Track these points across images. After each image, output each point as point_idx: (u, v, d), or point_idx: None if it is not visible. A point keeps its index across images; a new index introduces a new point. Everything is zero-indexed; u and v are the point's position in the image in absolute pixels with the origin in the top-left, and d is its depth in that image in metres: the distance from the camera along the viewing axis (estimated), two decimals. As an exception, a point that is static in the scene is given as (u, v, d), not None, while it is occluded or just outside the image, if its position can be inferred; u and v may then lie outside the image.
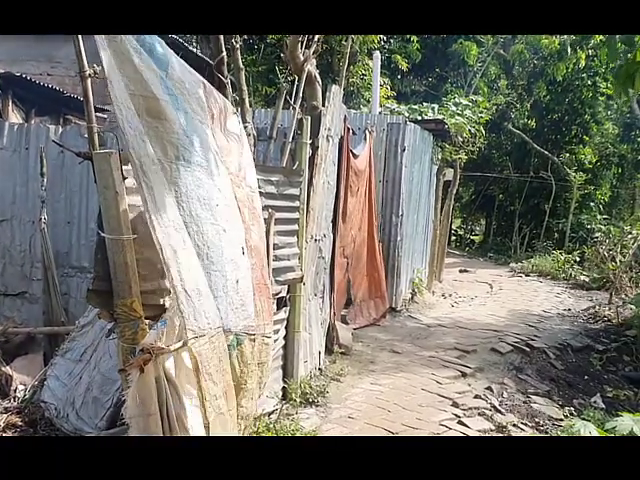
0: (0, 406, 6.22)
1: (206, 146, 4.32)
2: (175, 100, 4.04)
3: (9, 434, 5.65)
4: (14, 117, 7.65)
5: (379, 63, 13.49)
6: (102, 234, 4.07)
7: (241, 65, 5.84)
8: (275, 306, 6.31)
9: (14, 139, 7.36)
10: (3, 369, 6.69)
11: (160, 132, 3.90)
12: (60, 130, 7.40)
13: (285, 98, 6.63)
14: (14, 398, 6.46)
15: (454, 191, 15.74)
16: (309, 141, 6.58)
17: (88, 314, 6.18)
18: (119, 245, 4.03)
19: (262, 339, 4.74)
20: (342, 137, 8.27)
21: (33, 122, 7.97)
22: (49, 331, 7.12)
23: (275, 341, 6.20)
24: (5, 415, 5.96)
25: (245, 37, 25.29)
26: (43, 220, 6.99)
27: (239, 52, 5.62)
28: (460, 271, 18.86)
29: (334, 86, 7.20)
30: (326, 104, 7.01)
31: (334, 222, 8.36)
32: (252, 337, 4.58)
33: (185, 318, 3.71)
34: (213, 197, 4.25)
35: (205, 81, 4.55)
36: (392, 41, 21.55)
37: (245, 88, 5.72)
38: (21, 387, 6.56)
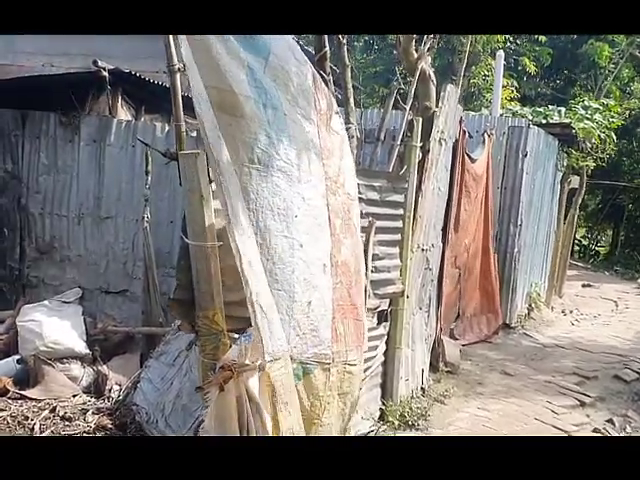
0: (94, 406, 6.18)
1: (300, 146, 3.93)
2: (262, 94, 3.67)
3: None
4: (123, 114, 7.64)
5: (502, 63, 12.76)
6: (186, 240, 3.82)
7: (347, 61, 5.46)
8: (376, 320, 5.90)
9: (121, 136, 7.34)
10: (100, 368, 6.68)
11: (232, 130, 3.55)
12: (167, 128, 7.30)
13: (397, 98, 6.21)
14: (108, 398, 6.41)
15: (579, 200, 14.71)
16: (419, 144, 6.10)
17: (183, 317, 6.01)
18: (203, 252, 3.76)
19: (344, 367, 4.32)
20: (457, 140, 7.72)
21: (142, 119, 7.93)
22: (147, 331, 7.03)
23: (373, 358, 5.80)
24: (97, 416, 5.88)
25: (366, 37, 25.13)
26: (146, 219, 6.90)
27: (345, 48, 5.24)
28: (583, 285, 17.65)
29: (449, 85, 6.67)
30: (440, 104, 6.50)
31: (444, 231, 7.82)
32: (326, 366, 4.15)
33: (263, 336, 3.35)
34: (293, 207, 3.86)
35: (316, 73, 4.17)
36: (519, 42, 20.63)
37: (350, 86, 5.34)
38: (116, 387, 6.50)
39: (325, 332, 4.21)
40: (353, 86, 5.80)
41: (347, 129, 4.94)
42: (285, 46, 3.93)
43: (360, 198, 4.89)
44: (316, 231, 4.15)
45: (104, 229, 7.47)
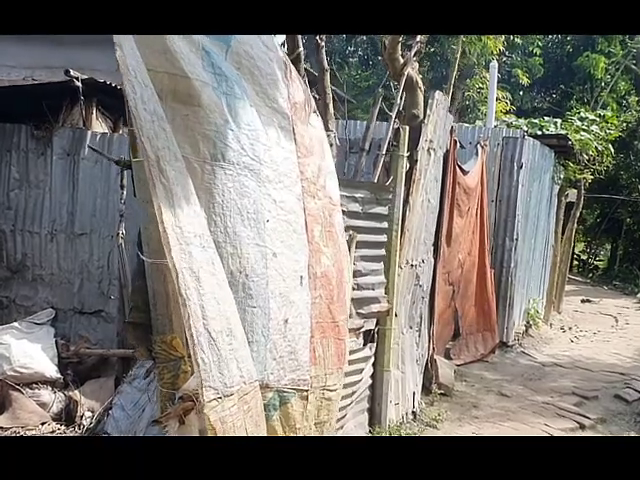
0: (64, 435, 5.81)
1: (270, 142, 3.55)
2: (222, 82, 3.29)
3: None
4: (99, 126, 7.31)
5: (495, 73, 12.51)
6: (141, 257, 3.45)
7: (326, 66, 5.12)
8: (361, 341, 5.54)
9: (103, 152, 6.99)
10: (71, 393, 6.32)
11: (191, 122, 3.17)
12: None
13: (384, 107, 5.89)
14: (79, 426, 6.06)
15: (577, 214, 14.36)
16: (406, 154, 5.76)
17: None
18: (160, 271, 3.38)
19: (322, 393, 3.91)
20: (447, 151, 7.37)
21: (120, 132, 7.59)
22: (122, 354, 6.67)
23: (359, 382, 5.43)
24: (64, 446, 5.50)
25: (360, 53, 24.95)
26: (121, 235, 6.53)
27: (324, 50, 4.92)
28: (582, 301, 17.27)
29: (437, 92, 6.33)
30: (428, 112, 6.17)
31: (436, 245, 7.45)
32: (304, 393, 3.76)
33: (202, 371, 2.93)
34: (263, 210, 3.46)
35: (290, 63, 3.80)
36: (514, 55, 20.45)
37: (329, 92, 5.00)
38: (88, 414, 6.16)
39: (303, 354, 3.82)
40: (345, 99, 5.47)
41: (327, 136, 4.58)
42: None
43: (341, 210, 4.52)
44: (291, 239, 3.75)
45: (78, 246, 7.11)
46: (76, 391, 6.34)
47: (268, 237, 3.56)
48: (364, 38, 21.56)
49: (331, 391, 4.05)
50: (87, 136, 7.05)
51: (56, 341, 6.80)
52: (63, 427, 6.05)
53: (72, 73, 6.73)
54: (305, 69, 4.66)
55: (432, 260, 7.32)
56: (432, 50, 17.49)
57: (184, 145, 3.14)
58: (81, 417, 6.12)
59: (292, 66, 3.81)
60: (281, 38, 8.15)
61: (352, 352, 4.89)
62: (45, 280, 7.22)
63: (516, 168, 9.87)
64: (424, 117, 6.25)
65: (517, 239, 10.11)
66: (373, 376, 5.87)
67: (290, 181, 3.73)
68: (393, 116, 5.70)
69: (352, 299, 4.68)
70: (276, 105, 3.65)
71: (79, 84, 6.75)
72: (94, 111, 7.25)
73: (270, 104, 3.59)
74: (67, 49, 9.77)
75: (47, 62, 10.37)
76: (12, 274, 7.31)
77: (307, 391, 3.79)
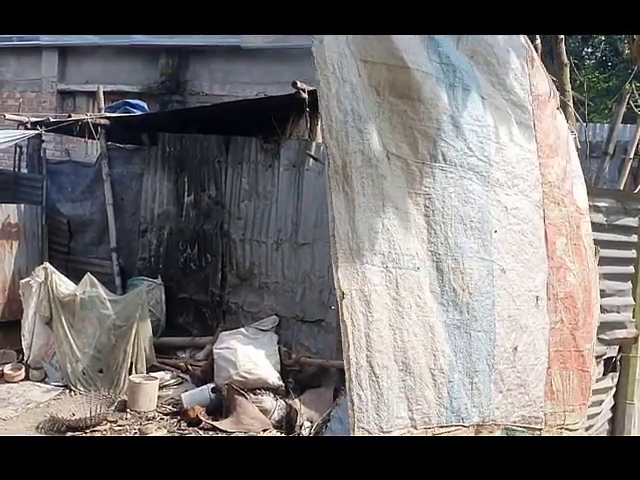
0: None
1: (503, 139, 3.16)
2: (449, 72, 2.98)
3: None
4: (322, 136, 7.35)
5: None
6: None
7: (565, 60, 4.62)
8: (602, 369, 4.93)
9: (320, 160, 7.04)
10: (291, 402, 6.36)
11: (409, 119, 2.89)
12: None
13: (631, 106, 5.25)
14: (298, 435, 6.06)
15: None
16: (660, 157, 5.08)
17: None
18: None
19: (559, 432, 3.41)
20: None
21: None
22: (341, 365, 6.58)
23: (598, 414, 4.85)
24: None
25: (597, 54, 23.27)
26: (340, 245, 6.49)
27: (563, 44, 4.43)
28: None
29: None
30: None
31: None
32: (536, 432, 3.29)
33: (357, 409, 2.59)
34: (490, 219, 3.07)
35: (534, 51, 3.40)
36: None
37: (569, 89, 4.50)
38: (307, 424, 6.14)
39: (536, 387, 3.36)
40: (581, 102, 4.94)
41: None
42: None
43: (582, 220, 4.00)
44: (525, 252, 3.32)
45: (301, 256, 7.19)
46: (296, 400, 6.37)
47: (495, 250, 3.17)
48: (602, 38, 20.12)
49: (571, 430, 3.53)
50: (312, 147, 7.12)
51: (279, 348, 6.92)
52: (283, 435, 6.09)
53: (299, 85, 6.85)
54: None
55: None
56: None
57: (401, 144, 2.89)
58: (300, 426, 6.12)
59: (535, 54, 3.39)
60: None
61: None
62: (270, 288, 7.41)
63: None
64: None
65: None
66: (613, 409, 5.25)
67: (527, 185, 3.29)
68: (645, 116, 5.03)
69: (595, 323, 4.14)
70: (515, 97, 3.25)
71: (305, 95, 6.84)
72: (319, 122, 7.30)
73: (507, 96, 3.21)
74: (295, 63, 10.11)
75: (278, 78, 10.84)
76: (241, 281, 7.61)
77: (540, 430, 3.33)
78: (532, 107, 3.31)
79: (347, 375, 2.68)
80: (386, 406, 2.72)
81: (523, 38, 3.31)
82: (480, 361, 3.09)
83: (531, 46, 3.40)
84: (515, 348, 3.24)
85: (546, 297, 3.34)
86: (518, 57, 3.24)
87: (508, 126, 3.21)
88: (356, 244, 2.69)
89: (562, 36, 4.49)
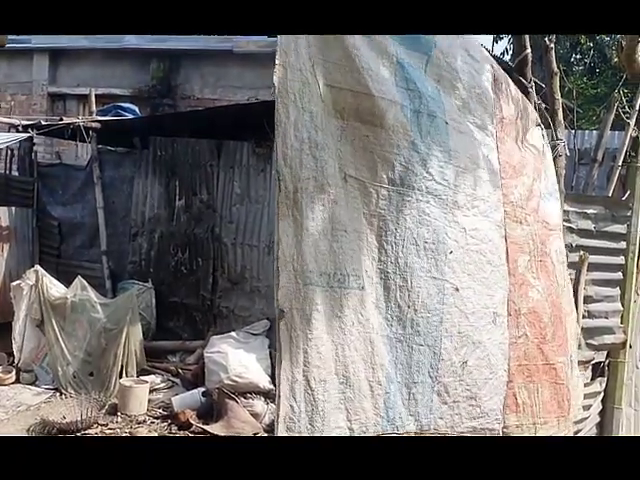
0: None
1: (464, 163, 3.23)
2: (415, 98, 3.05)
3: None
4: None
5: None
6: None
7: (555, 69, 4.68)
8: (590, 374, 5.01)
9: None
10: (282, 405, 6.38)
11: (371, 144, 2.96)
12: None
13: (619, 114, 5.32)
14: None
15: None
16: (647, 165, 5.14)
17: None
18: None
19: (530, 445, 3.46)
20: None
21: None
22: (332, 369, 6.63)
23: (586, 419, 4.92)
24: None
25: (586, 60, 23.44)
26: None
27: (553, 53, 4.50)
28: None
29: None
30: (676, 118, 5.47)
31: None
32: None
33: (289, 419, 2.71)
34: (446, 240, 3.17)
35: (499, 70, 3.47)
36: None
37: (558, 97, 4.56)
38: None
39: (490, 401, 3.41)
40: (570, 109, 5.01)
41: (553, 147, 4.17)
42: (455, 41, 3.29)
43: (569, 228, 4.07)
44: (483, 271, 3.40)
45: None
46: (287, 404, 6.39)
47: (449, 269, 3.25)
48: (590, 45, 20.32)
49: (547, 443, 3.59)
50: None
51: (270, 352, 6.92)
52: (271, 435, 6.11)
53: (291, 90, 6.88)
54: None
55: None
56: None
57: (361, 167, 2.97)
58: (295, 430, 6.15)
59: (506, 77, 3.48)
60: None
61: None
62: (261, 292, 7.44)
63: None
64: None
65: None
66: (602, 414, 5.33)
67: (487, 206, 3.38)
68: (632, 123, 5.11)
69: (582, 328, 4.21)
70: (479, 121, 3.35)
71: (297, 101, 6.87)
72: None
73: (472, 119, 3.31)
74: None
75: (270, 82, 10.82)
76: (232, 285, 7.63)
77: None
78: (496, 130, 3.40)
79: (277, 390, 2.78)
80: (321, 417, 2.82)
81: (490, 63, 3.39)
82: (420, 373, 3.18)
83: (499, 71, 3.48)
84: (465, 362, 3.31)
85: (506, 313, 3.41)
86: (484, 81, 3.33)
87: (471, 149, 3.29)
88: (300, 266, 2.78)
89: (552, 45, 4.57)
